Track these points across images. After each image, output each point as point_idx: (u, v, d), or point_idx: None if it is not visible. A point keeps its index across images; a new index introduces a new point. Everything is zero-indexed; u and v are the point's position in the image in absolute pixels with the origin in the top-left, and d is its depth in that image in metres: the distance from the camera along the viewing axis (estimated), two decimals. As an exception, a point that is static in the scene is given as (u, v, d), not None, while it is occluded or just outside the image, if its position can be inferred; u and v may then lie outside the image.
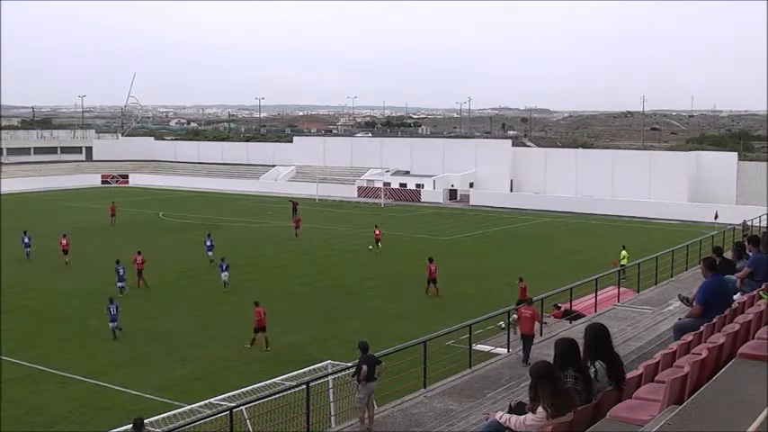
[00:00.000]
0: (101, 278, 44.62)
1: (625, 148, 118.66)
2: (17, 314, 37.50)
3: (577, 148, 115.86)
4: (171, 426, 17.01)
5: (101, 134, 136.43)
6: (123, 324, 33.88)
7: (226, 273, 42.68)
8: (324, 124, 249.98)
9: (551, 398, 7.47)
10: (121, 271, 41.95)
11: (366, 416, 17.56)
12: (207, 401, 18.95)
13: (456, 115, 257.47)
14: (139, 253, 44.26)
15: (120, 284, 41.56)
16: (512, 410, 8.04)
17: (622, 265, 39.03)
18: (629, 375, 8.48)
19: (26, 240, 52.32)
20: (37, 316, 37.10)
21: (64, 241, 49.83)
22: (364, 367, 17.93)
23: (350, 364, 19.87)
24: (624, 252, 43.54)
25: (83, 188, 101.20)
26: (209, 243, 50.82)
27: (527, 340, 21.70)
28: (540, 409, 7.53)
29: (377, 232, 55.97)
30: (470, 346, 21.46)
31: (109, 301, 34.25)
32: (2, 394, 26.38)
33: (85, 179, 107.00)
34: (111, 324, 33.49)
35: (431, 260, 41.31)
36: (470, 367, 20.69)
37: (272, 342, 31.52)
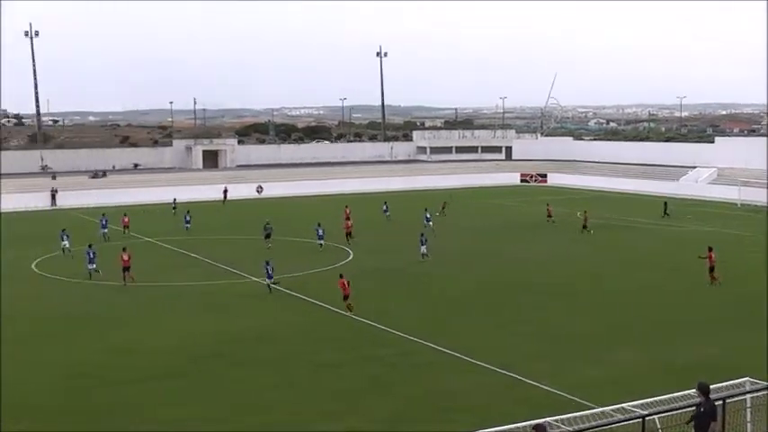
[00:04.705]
0: (507, 273, 46.51)
1: None
2: (435, 300, 39.79)
3: None
4: (581, 426, 16.98)
5: (520, 134, 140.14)
6: (527, 319, 35.36)
7: (424, 246, 50.06)
8: (747, 124, 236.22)
9: None
10: (321, 232, 55.41)
11: None
12: (619, 406, 18.70)
13: None
14: (348, 219, 58.90)
15: (321, 242, 54.99)
16: None
17: None
18: None
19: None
20: (452, 304, 39.04)
21: (349, 222, 58.62)
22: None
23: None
24: None
25: (502, 186, 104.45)
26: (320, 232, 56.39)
27: None
28: None
29: (549, 208, 68.94)
30: None
31: (265, 263, 42.35)
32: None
33: (504, 177, 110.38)
34: (267, 280, 41.97)
35: (710, 249, 43.02)
36: None
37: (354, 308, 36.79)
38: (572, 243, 57.92)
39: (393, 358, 30.54)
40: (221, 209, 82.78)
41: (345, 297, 37.20)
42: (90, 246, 47.77)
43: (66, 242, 54.32)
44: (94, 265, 46.39)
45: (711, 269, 42.53)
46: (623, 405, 18.75)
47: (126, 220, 64.91)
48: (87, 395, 26.89)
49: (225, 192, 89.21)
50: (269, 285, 41.97)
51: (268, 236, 56.48)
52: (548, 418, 18.03)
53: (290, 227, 59.89)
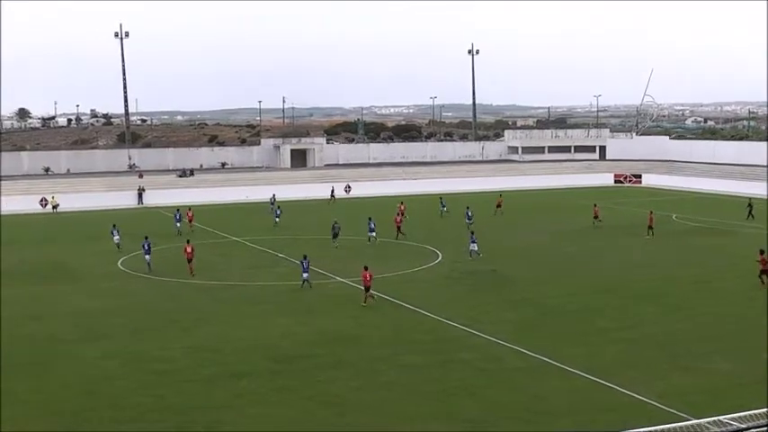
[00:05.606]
0: (595, 277, 45.71)
1: None
2: (522, 304, 39.30)
3: None
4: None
5: (615, 133, 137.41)
6: (618, 325, 34.86)
7: (474, 243, 50.61)
8: None
9: None
10: (372, 225, 57.44)
11: None
12: (715, 418, 17.91)
13: None
14: (400, 215, 61.43)
15: (371, 234, 57.56)
16: None
17: None
18: None
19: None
20: (543, 309, 38.28)
21: (399, 218, 60.46)
22: None
23: None
24: None
25: (594, 187, 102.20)
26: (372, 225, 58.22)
27: None
28: None
29: (596, 209, 67.15)
30: None
31: (303, 257, 42.80)
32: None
33: (598, 178, 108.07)
34: (304, 275, 42.27)
35: (761, 252, 41.60)
36: None
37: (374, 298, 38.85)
38: (656, 246, 56.27)
39: (479, 362, 30.12)
40: (306, 208, 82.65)
41: (367, 288, 38.99)
42: (146, 238, 49.60)
43: (117, 237, 56.22)
44: (149, 257, 48.36)
45: (764, 272, 41.14)
46: (719, 417, 17.95)
47: (190, 214, 66.69)
48: (170, 392, 27.09)
49: (332, 191, 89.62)
50: (303, 281, 42.53)
51: (335, 235, 56.82)
52: (639, 429, 17.39)
53: (377, 227, 59.36)
